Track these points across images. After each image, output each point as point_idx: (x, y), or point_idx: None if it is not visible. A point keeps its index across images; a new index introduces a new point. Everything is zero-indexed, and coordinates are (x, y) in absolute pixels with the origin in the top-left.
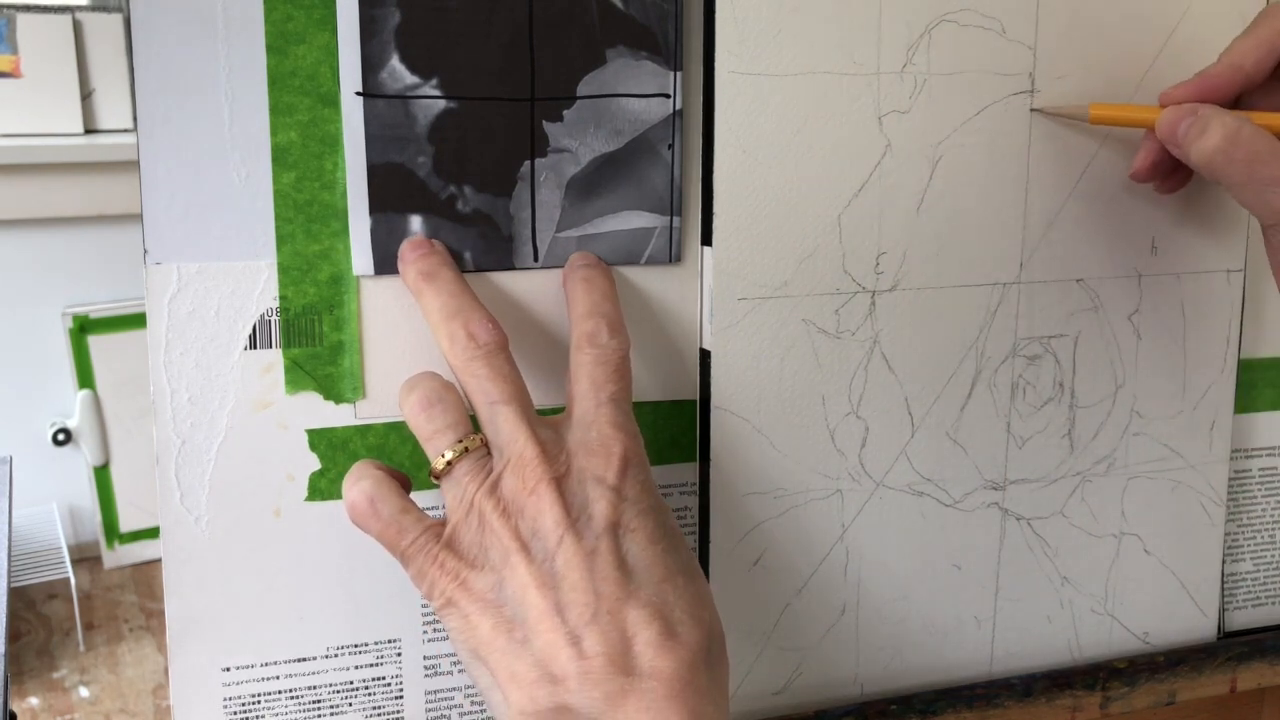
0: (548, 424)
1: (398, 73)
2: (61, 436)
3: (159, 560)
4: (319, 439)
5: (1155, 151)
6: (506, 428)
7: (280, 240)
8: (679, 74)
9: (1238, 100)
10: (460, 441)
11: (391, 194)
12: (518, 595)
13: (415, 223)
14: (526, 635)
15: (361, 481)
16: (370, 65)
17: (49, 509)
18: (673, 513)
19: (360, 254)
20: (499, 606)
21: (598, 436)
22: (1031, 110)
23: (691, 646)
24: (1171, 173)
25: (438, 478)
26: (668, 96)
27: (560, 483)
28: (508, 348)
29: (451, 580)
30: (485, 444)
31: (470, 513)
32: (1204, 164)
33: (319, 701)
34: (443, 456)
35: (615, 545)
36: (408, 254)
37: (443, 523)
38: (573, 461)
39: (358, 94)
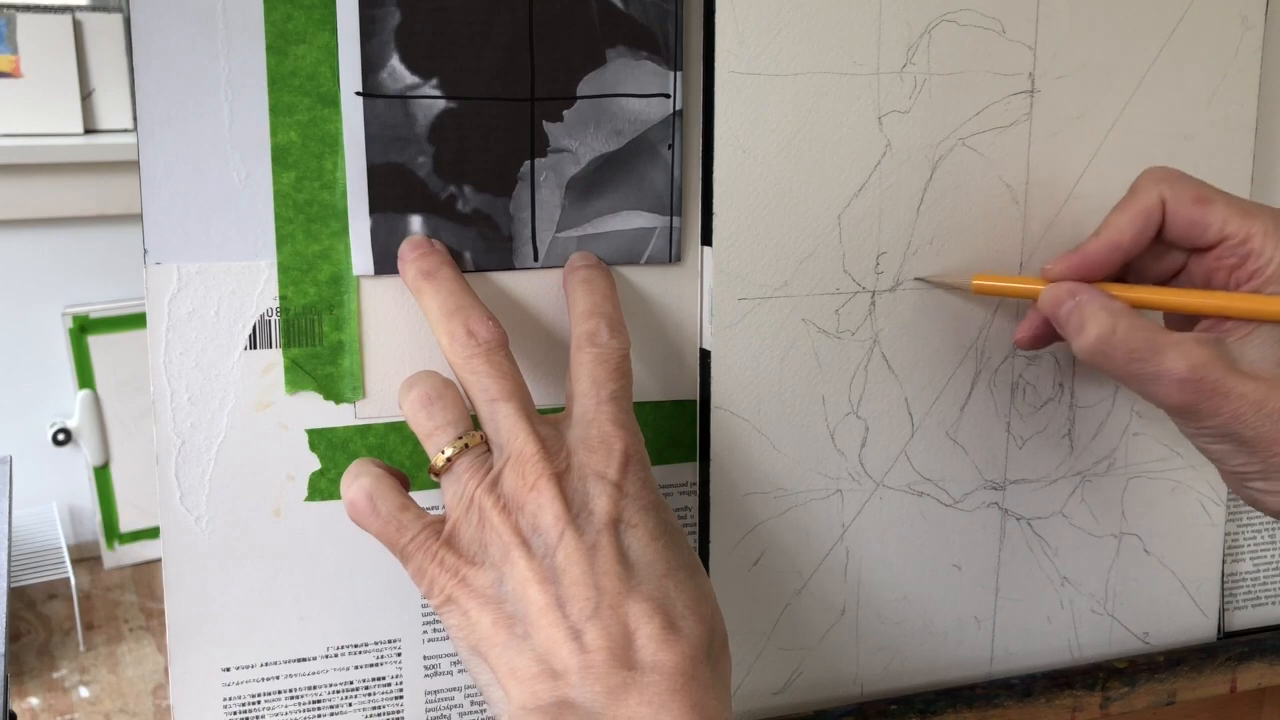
0: (548, 421)
1: (398, 73)
2: (61, 436)
3: (159, 560)
4: (319, 439)
5: (1039, 322)
6: (506, 424)
7: (280, 240)
8: (679, 74)
9: (1123, 269)
10: (460, 438)
11: (391, 194)
12: (518, 591)
13: (415, 223)
14: (527, 630)
15: (360, 479)
16: (370, 65)
17: (49, 509)
18: (673, 510)
19: (360, 254)
20: (499, 603)
21: (598, 433)
22: (915, 279)
23: (693, 641)
24: (1058, 338)
25: (437, 475)
26: (668, 96)
27: (560, 479)
28: (507, 345)
29: (451, 577)
30: (485, 441)
31: (470, 509)
32: (1084, 359)
33: (319, 701)
34: (443, 453)
35: (616, 540)
36: (407, 253)
37: (442, 520)
38: (573, 458)
39: (358, 94)
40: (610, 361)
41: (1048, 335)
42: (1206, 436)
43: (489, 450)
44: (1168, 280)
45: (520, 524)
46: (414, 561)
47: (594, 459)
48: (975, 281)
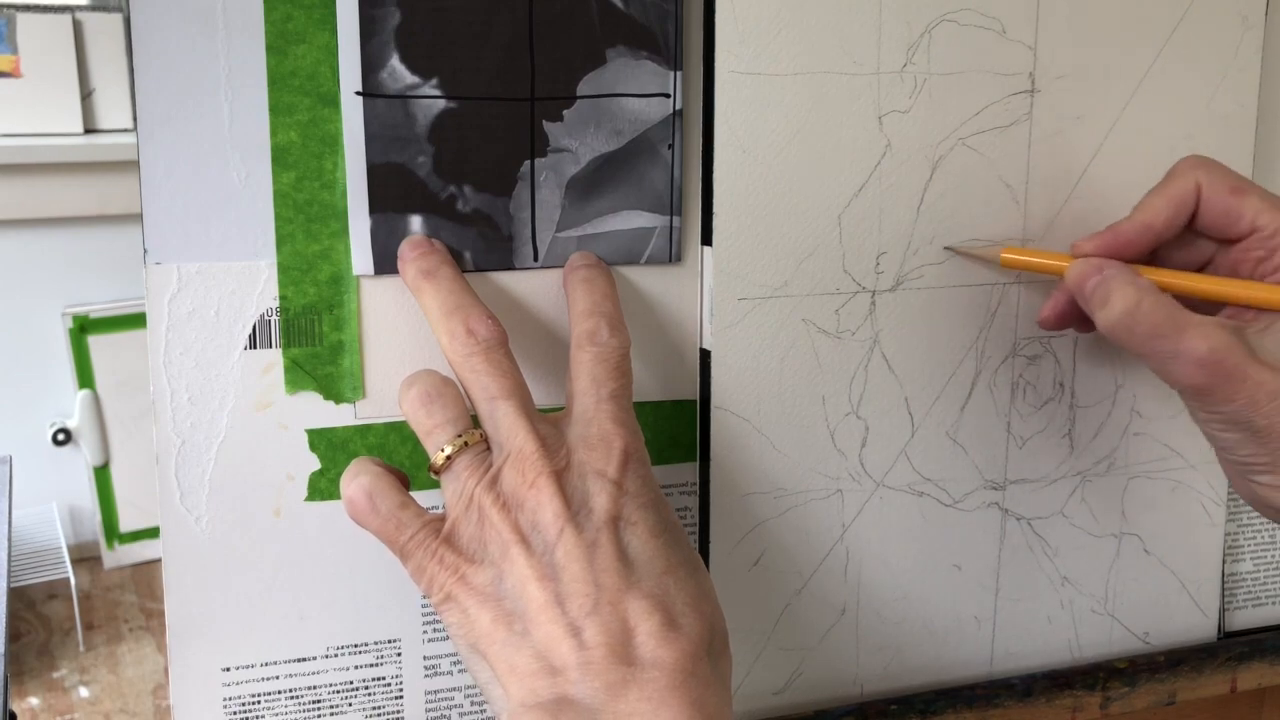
0: (548, 420)
1: (398, 73)
2: (61, 436)
3: (159, 560)
4: (319, 439)
5: (1064, 301)
6: (506, 423)
7: (280, 240)
8: (679, 74)
9: (1151, 254)
10: (460, 436)
11: (391, 194)
12: (517, 588)
13: (415, 223)
14: (526, 627)
15: (360, 477)
16: (370, 65)
17: (49, 509)
18: (674, 509)
19: (360, 254)
20: (498, 600)
21: (598, 432)
22: (944, 248)
23: (693, 638)
24: (1081, 320)
25: (437, 473)
26: (668, 96)
27: (560, 476)
28: (507, 343)
29: (450, 575)
30: (485, 439)
31: (470, 507)
32: (1106, 332)
33: (319, 701)
34: (442, 451)
35: (616, 538)
36: (407, 252)
37: (442, 518)
38: (573, 456)
39: (358, 94)
40: (610, 360)
41: (1071, 314)
42: (1218, 423)
43: (489, 449)
44: (1194, 272)
45: (520, 521)
46: (413, 559)
47: (593, 457)
48: (1004, 255)
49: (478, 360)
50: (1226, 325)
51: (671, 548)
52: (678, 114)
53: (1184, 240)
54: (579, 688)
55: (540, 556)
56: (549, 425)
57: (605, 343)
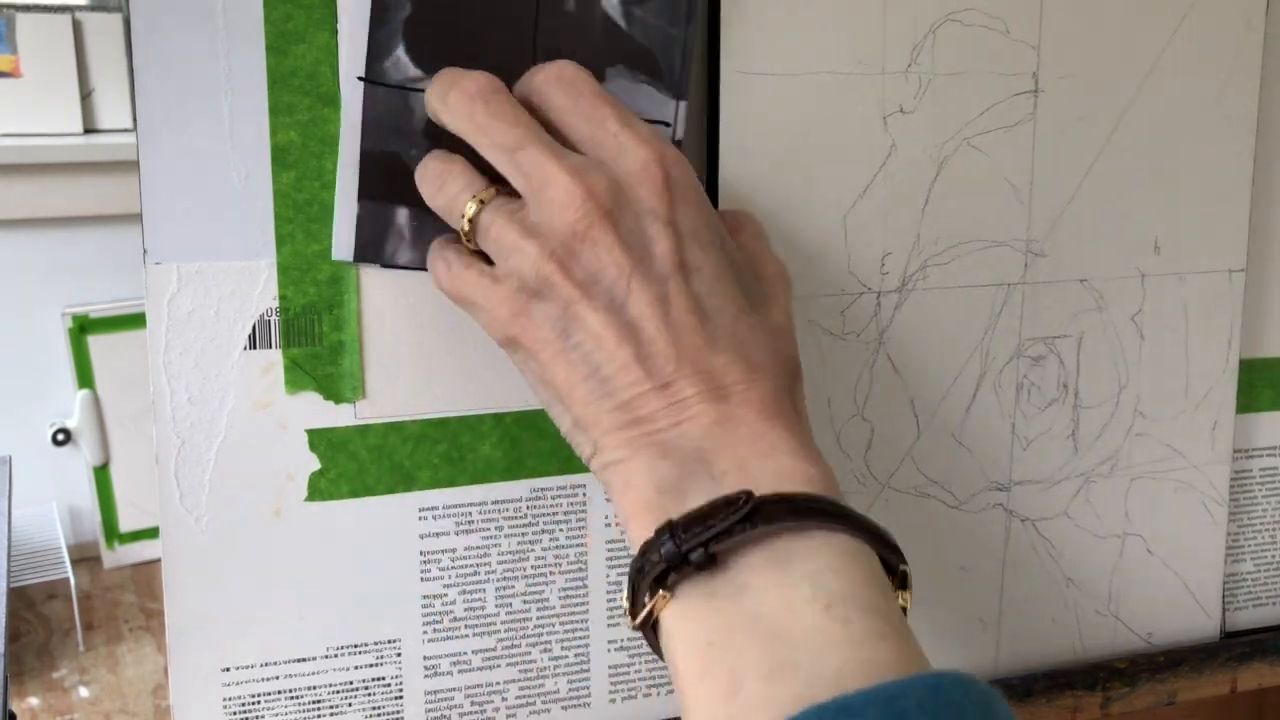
0: (574, 155)
1: (402, 64)
2: (61, 436)
3: (159, 560)
4: (319, 439)
5: None
6: (536, 171)
7: (280, 240)
8: (682, 104)
9: None
10: (474, 197)
11: (383, 182)
12: (590, 345)
13: (403, 214)
14: (610, 388)
15: (445, 251)
16: (376, 52)
17: (49, 509)
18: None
19: (342, 238)
20: (569, 352)
21: (633, 161)
22: None
23: (773, 374)
24: None
25: (470, 241)
26: (668, 125)
27: (615, 222)
28: (505, 89)
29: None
30: (498, 191)
31: (510, 255)
32: None
33: (319, 701)
34: (463, 216)
35: (685, 288)
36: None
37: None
38: (618, 195)
39: (360, 79)
40: (578, 82)
41: None
42: None
43: (510, 196)
44: None
45: (577, 274)
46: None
47: (642, 193)
48: None
49: (480, 115)
50: None
51: (735, 286)
52: (678, 145)
53: None
54: (675, 432)
55: (612, 314)
56: (580, 159)
57: (561, 70)
